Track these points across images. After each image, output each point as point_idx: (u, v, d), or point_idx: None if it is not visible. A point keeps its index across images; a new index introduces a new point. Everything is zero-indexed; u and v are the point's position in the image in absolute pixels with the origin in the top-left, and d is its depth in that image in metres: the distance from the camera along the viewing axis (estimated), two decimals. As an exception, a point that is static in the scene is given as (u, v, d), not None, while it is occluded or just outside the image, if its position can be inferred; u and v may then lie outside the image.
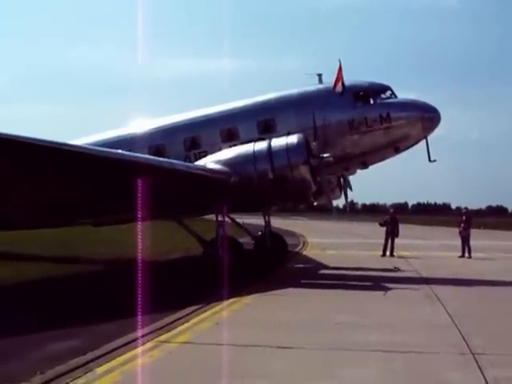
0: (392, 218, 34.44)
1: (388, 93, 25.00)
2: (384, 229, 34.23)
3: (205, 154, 23.75)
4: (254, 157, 21.72)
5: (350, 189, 28.38)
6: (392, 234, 33.60)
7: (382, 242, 33.76)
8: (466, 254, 32.77)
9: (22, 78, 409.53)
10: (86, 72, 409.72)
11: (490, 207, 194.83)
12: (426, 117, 24.48)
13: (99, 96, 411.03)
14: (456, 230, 34.88)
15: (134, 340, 11.51)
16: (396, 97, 25.01)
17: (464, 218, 34.20)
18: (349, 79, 24.34)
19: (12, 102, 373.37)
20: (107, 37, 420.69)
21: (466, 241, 33.21)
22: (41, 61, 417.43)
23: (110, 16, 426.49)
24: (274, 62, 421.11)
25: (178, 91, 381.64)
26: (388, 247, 33.39)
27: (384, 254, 33.04)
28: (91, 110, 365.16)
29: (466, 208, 37.98)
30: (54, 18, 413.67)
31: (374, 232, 35.08)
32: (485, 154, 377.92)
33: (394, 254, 33.08)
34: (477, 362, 10.14)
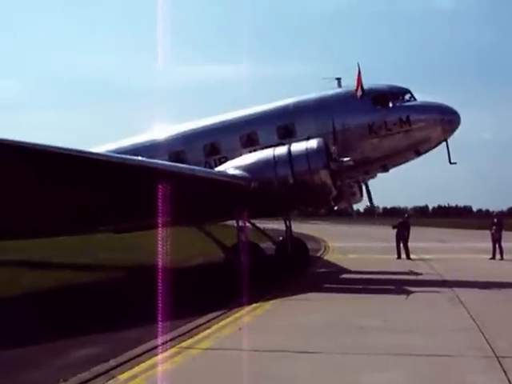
0: (404, 221, 34.73)
1: (407, 96, 24.96)
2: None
3: (225, 160, 23.80)
4: (274, 162, 21.72)
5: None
6: (402, 237, 33.78)
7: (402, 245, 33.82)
8: (498, 256, 32.66)
9: (40, 86, 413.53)
10: (101, 79, 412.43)
11: (511, 209, 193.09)
12: (446, 119, 24.40)
13: (119, 103, 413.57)
14: (479, 232, 34.82)
15: (156, 346, 11.52)
16: (415, 100, 24.96)
17: (495, 220, 34.11)
18: (367, 83, 24.28)
19: (29, 108, 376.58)
20: (126, 44, 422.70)
21: (497, 242, 33.09)
22: (57, 68, 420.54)
23: (128, 23, 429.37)
24: (293, 66, 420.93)
25: (197, 97, 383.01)
26: (403, 251, 33.48)
27: (399, 257, 33.09)
28: (110, 118, 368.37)
29: (501, 211, 38.02)
30: (68, 24, 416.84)
31: (394, 236, 34.94)
32: (505, 155, 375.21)
33: (411, 256, 33.07)
34: (501, 365, 10.07)
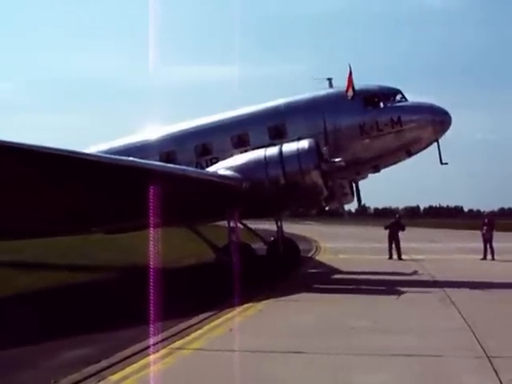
0: (396, 222, 34.76)
1: (398, 96, 25.00)
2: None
3: (216, 161, 23.78)
4: (265, 162, 21.72)
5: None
6: (395, 237, 33.78)
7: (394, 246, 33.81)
8: (489, 256, 32.72)
9: (33, 87, 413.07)
10: (97, 80, 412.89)
11: (502, 209, 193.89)
12: (437, 120, 24.45)
13: (111, 104, 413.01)
14: (470, 233, 34.88)
15: (147, 347, 11.51)
16: (406, 100, 25.01)
17: (486, 220, 34.18)
18: (359, 83, 24.28)
19: (23, 110, 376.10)
20: (118, 45, 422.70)
21: (489, 243, 33.12)
22: (55, 70, 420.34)
23: (121, 24, 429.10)
24: (285, 67, 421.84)
25: (190, 98, 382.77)
26: (395, 251, 33.51)
27: (390, 257, 33.12)
28: (102, 118, 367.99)
29: (492, 212, 38.19)
30: (65, 26, 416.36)
31: (386, 236, 35.07)
32: (497, 156, 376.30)
33: (402, 257, 33.13)
34: (492, 365, 10.08)
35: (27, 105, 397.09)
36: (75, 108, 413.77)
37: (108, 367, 10.14)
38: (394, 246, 33.72)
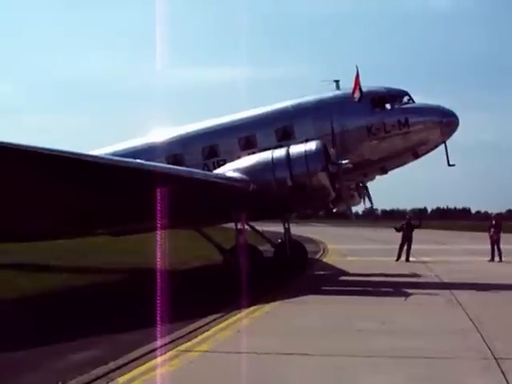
0: (408, 223, 34.48)
1: (406, 98, 24.99)
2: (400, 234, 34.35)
3: (223, 163, 23.82)
4: (272, 164, 21.75)
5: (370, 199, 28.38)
6: (408, 239, 33.57)
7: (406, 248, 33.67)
8: (496, 258, 32.66)
9: (33, 89, 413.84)
10: (98, 82, 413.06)
11: (510, 211, 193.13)
12: (445, 121, 24.45)
13: (117, 106, 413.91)
14: (478, 234, 34.83)
15: (155, 349, 11.50)
16: (413, 102, 24.98)
17: (494, 222, 34.11)
18: (365, 85, 24.27)
19: (23, 112, 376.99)
20: (124, 46, 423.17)
21: (496, 244, 33.07)
22: (56, 71, 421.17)
23: (123, 25, 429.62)
24: (291, 68, 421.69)
25: (196, 100, 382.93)
26: (404, 252, 33.33)
27: (398, 259, 32.96)
28: (109, 120, 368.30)
29: (499, 213, 38.26)
30: (65, 28, 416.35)
31: (394, 238, 35.05)
32: (504, 157, 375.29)
33: (410, 259, 32.98)
34: (500, 367, 10.05)
35: (27, 106, 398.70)
36: (75, 109, 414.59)
37: (115, 369, 10.12)
38: (405, 248, 33.55)
